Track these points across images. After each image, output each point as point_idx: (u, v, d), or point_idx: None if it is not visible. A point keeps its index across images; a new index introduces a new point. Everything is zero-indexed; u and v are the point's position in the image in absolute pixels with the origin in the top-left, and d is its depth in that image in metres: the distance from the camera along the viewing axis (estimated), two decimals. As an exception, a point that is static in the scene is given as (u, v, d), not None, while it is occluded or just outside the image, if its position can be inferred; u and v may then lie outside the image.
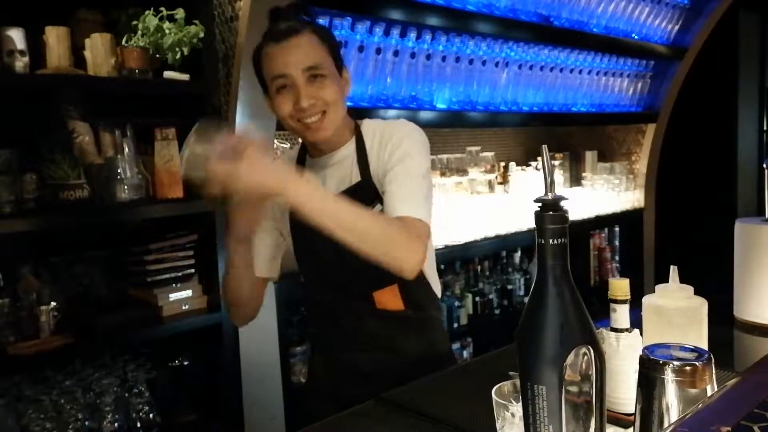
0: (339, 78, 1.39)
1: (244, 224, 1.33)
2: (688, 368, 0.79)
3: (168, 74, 1.95)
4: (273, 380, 2.19)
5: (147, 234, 2.06)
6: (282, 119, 1.38)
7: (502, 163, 3.30)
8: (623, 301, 1.06)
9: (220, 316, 2.05)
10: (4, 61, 1.73)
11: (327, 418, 1.20)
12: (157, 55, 1.97)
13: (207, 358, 2.13)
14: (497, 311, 3.16)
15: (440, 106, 2.69)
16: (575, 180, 3.77)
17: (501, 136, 3.65)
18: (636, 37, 3.55)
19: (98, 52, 1.87)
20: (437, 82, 2.66)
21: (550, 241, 0.72)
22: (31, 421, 1.75)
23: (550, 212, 0.73)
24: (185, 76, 1.97)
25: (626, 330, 1.06)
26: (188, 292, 2.05)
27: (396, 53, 2.46)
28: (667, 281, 1.14)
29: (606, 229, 3.88)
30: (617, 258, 3.94)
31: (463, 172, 2.95)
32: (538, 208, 0.73)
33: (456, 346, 2.92)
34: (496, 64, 2.87)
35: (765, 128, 4.65)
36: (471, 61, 2.75)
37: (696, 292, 1.13)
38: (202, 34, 1.97)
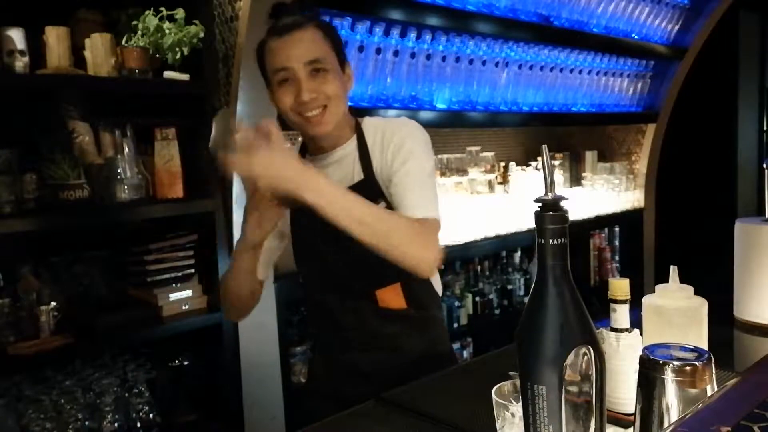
0: (341, 73, 1.39)
1: (259, 231, 1.33)
2: (688, 368, 0.79)
3: (168, 74, 1.95)
4: (273, 380, 2.19)
5: (147, 234, 2.06)
6: (283, 113, 1.39)
7: (502, 163, 3.30)
8: (623, 301, 1.06)
9: (220, 316, 2.05)
10: (4, 61, 1.73)
11: (327, 418, 1.20)
12: (157, 55, 1.97)
13: (207, 358, 2.13)
14: (497, 311, 3.16)
15: (440, 106, 2.69)
16: (575, 180, 3.77)
17: (501, 136, 3.65)
18: (636, 37, 3.55)
19: (98, 52, 1.87)
20: (437, 82, 2.65)
21: (550, 241, 0.72)
22: (31, 421, 1.75)
23: (550, 212, 0.73)
24: (185, 76, 1.97)
25: (626, 330, 1.06)
26: (188, 292, 2.05)
27: (396, 53, 2.46)
28: (667, 281, 1.14)
29: (606, 229, 3.88)
30: (617, 258, 3.94)
31: (463, 172, 2.95)
32: (538, 208, 0.73)
33: (456, 346, 2.92)
34: (496, 64, 2.87)
35: (765, 128, 4.65)
36: (471, 61, 2.75)
37: (696, 292, 1.13)
38: (202, 34, 1.97)
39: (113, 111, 2.00)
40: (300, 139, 1.54)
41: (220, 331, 2.05)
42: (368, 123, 1.46)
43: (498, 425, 0.89)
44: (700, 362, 0.80)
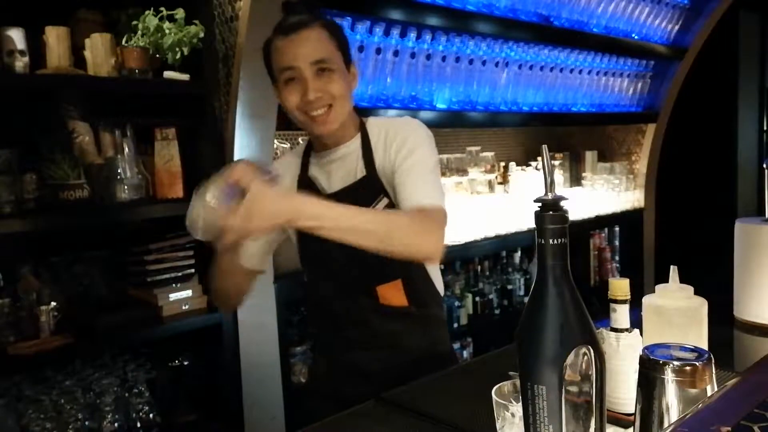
0: (347, 73, 1.41)
1: (236, 237, 1.32)
2: (688, 368, 0.79)
3: (168, 74, 1.95)
4: (273, 380, 2.19)
5: (147, 234, 2.06)
6: (289, 111, 1.40)
7: (502, 163, 3.30)
8: (623, 301, 1.06)
9: (220, 316, 2.05)
10: (4, 61, 1.73)
11: (327, 418, 1.20)
12: (157, 55, 1.97)
13: (207, 358, 2.13)
14: (497, 311, 3.16)
15: (440, 106, 2.69)
16: (575, 180, 3.77)
17: (501, 136, 3.65)
18: (636, 37, 3.55)
19: (98, 52, 1.87)
20: (437, 82, 2.65)
21: (550, 241, 0.72)
22: (31, 421, 1.75)
23: (550, 212, 0.73)
24: (185, 76, 1.97)
25: (626, 330, 1.06)
26: (188, 292, 2.05)
27: (396, 53, 2.46)
28: (667, 281, 1.14)
29: (606, 229, 3.88)
30: (617, 258, 3.94)
31: (463, 172, 2.95)
32: (538, 208, 0.73)
33: (456, 346, 2.92)
34: (496, 64, 2.87)
35: (765, 128, 4.65)
36: (471, 61, 2.74)
37: (696, 292, 1.13)
38: (202, 34, 1.97)
39: (113, 111, 2.00)
40: (300, 140, 1.54)
41: (220, 331, 2.05)
42: (372, 122, 1.48)
43: (498, 425, 0.89)
44: (700, 362, 0.80)
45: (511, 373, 1.09)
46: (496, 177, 3.13)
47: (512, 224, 3.01)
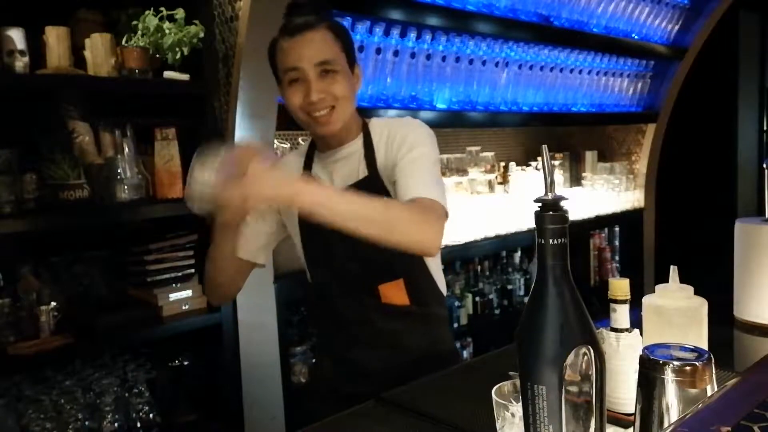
0: (350, 74, 1.42)
1: (234, 213, 1.30)
2: (688, 368, 0.79)
3: (168, 74, 1.95)
4: (273, 380, 2.19)
5: (147, 234, 2.06)
6: (292, 111, 1.41)
7: (502, 163, 3.30)
8: (623, 301, 1.06)
9: (220, 316, 2.05)
10: (4, 61, 1.72)
11: (327, 418, 1.20)
12: (157, 55, 1.97)
13: (207, 358, 2.13)
14: (497, 311, 3.16)
15: (440, 106, 2.70)
16: (575, 180, 3.77)
17: (501, 136, 3.65)
18: (636, 37, 3.55)
19: (98, 52, 1.87)
20: (437, 82, 2.66)
21: (550, 241, 0.72)
22: (31, 421, 1.75)
23: (550, 212, 0.73)
24: (185, 76, 1.97)
25: (626, 330, 1.06)
26: (188, 292, 2.05)
27: (396, 53, 2.46)
28: (667, 281, 1.14)
29: (606, 229, 3.88)
30: (617, 258, 3.94)
31: (463, 172, 2.95)
32: (538, 208, 0.73)
33: (456, 345, 2.92)
34: (496, 64, 2.87)
35: (765, 128, 4.65)
36: (471, 61, 2.75)
37: (696, 292, 1.13)
38: (202, 34, 1.97)
39: (113, 111, 2.00)
40: (300, 140, 1.55)
41: (220, 331, 2.05)
42: (375, 122, 1.49)
43: (498, 425, 0.89)
44: (700, 362, 0.80)
45: (511, 373, 1.08)
46: (496, 177, 3.13)
47: (512, 224, 3.01)
